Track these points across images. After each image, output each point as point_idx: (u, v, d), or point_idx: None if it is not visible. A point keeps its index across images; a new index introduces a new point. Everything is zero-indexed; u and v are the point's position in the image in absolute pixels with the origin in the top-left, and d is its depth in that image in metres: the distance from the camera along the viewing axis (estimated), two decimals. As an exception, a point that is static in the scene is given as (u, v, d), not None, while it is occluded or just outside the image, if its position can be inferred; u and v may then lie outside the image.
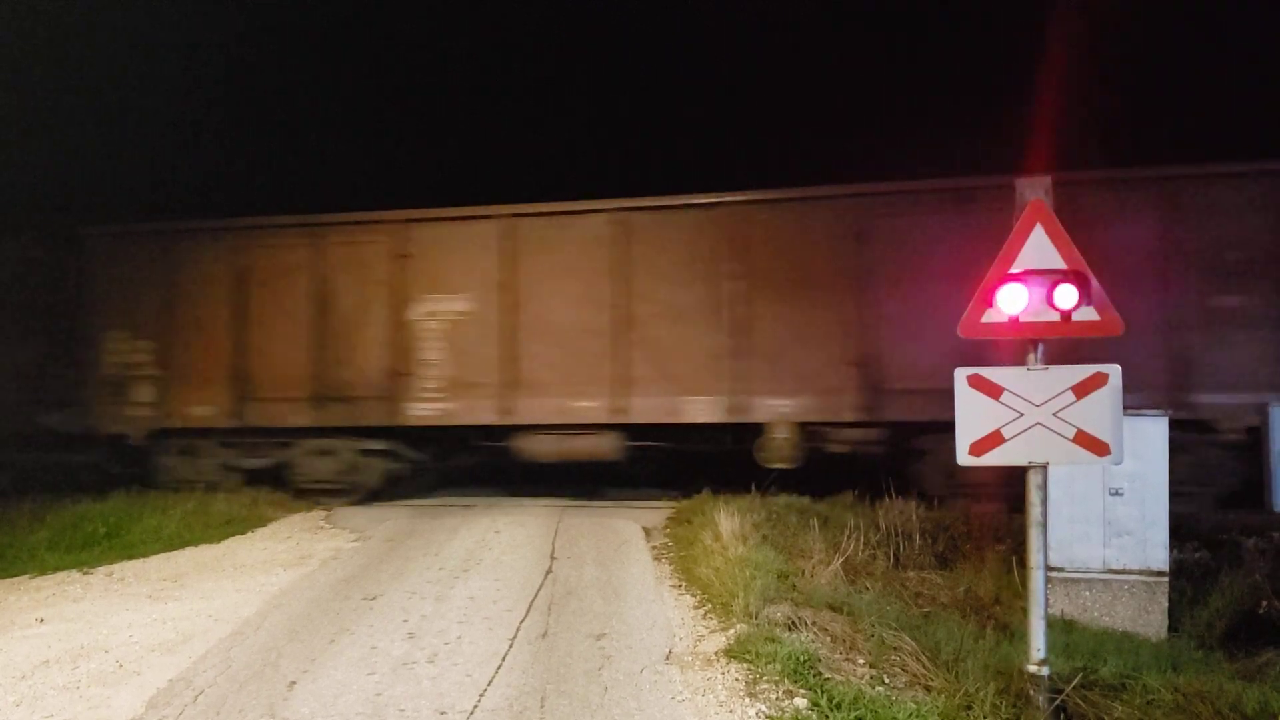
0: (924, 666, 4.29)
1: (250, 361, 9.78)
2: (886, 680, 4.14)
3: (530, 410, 9.21)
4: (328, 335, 9.66)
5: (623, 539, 7.22)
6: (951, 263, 7.73)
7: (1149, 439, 5.87)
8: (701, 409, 8.91)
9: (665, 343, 8.99)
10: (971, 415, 4.01)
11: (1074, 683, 4.21)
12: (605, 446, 9.17)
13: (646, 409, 9.00)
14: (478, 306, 9.37)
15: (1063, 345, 4.31)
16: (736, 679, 4.03)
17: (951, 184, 8.59)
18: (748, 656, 4.19)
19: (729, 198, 9.01)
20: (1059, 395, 3.93)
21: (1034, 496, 4.02)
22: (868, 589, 5.91)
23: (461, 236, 9.47)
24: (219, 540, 7.70)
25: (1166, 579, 5.90)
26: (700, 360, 8.92)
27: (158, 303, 9.99)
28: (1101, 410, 3.88)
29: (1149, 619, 5.85)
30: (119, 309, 10.06)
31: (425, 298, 9.48)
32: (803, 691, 3.82)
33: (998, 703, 3.96)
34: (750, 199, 8.98)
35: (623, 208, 9.20)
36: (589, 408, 9.09)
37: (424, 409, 9.42)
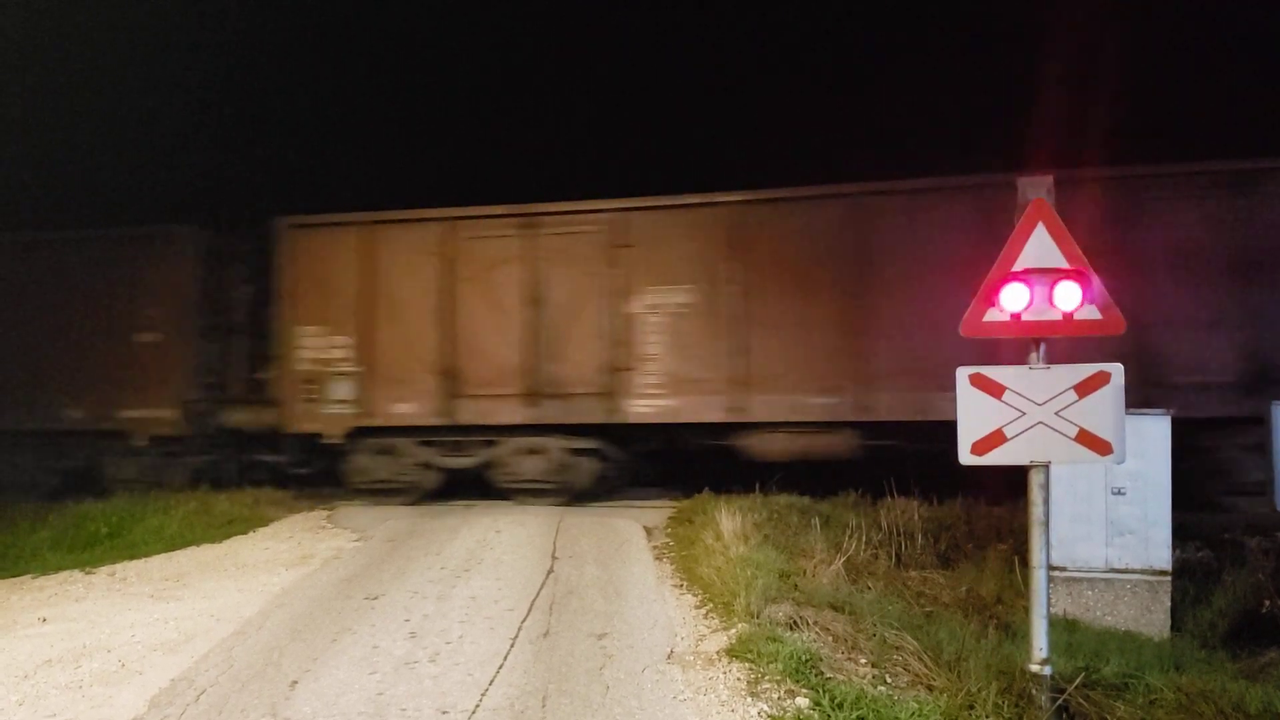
0: (926, 666, 4.29)
1: (458, 356, 9.34)
2: (889, 680, 4.13)
3: (763, 408, 8.71)
4: (540, 329, 9.22)
5: (624, 538, 7.22)
6: (1222, 247, 7.58)
7: (1151, 438, 5.86)
8: None
9: (914, 335, 8.31)
10: (973, 414, 4.00)
11: (1076, 682, 4.20)
12: (841, 445, 8.64)
13: (894, 406, 8.40)
14: (703, 298, 8.91)
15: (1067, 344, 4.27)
16: (738, 678, 4.02)
17: (1222, 166, 8.10)
18: (749, 656, 4.18)
19: (989, 179, 8.19)
20: (1061, 394, 3.92)
21: (1036, 496, 4.01)
22: (870, 588, 5.91)
23: (686, 224, 9.04)
24: (221, 540, 7.71)
25: (1169, 578, 5.89)
26: (956, 352, 8.35)
27: (355, 296, 9.55)
28: (1104, 409, 3.87)
29: (1152, 618, 5.84)
30: (313, 303, 9.63)
31: (646, 289, 9.02)
32: (805, 691, 3.82)
33: (1000, 702, 3.95)
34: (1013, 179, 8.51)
35: (864, 191, 8.71)
36: (828, 404, 8.55)
37: (644, 406, 8.97)
